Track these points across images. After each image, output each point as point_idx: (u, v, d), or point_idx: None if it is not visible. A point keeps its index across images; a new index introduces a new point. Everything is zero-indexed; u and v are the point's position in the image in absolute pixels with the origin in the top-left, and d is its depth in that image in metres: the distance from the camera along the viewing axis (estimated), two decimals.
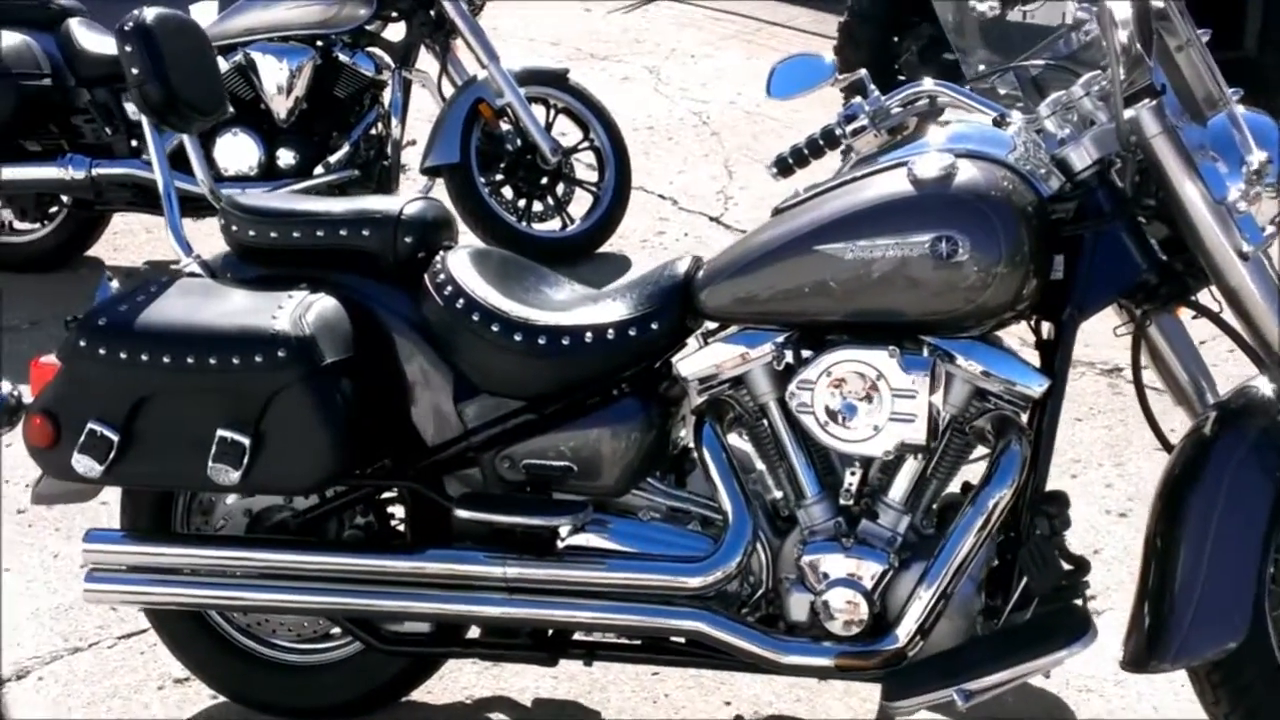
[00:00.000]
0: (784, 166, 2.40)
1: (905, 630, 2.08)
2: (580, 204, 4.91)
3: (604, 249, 4.87)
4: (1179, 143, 1.98)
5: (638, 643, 2.30)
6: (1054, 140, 2.08)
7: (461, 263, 2.28)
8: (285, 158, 4.65)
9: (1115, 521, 3.07)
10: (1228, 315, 2.05)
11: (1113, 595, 2.71)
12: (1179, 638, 2.00)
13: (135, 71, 2.41)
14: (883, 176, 2.08)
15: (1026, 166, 2.06)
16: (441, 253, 2.32)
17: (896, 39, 5.79)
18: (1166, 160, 1.99)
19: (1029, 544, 2.05)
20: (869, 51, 5.59)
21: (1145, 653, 2.03)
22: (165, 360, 2.13)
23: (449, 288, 2.24)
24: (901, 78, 5.53)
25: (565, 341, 2.18)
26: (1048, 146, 2.08)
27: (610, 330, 2.18)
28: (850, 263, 2.02)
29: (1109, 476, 3.27)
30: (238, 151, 4.60)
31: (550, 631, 2.32)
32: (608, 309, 2.23)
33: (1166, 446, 2.19)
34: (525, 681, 2.61)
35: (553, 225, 4.86)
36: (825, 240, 2.04)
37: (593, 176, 4.91)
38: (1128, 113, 1.97)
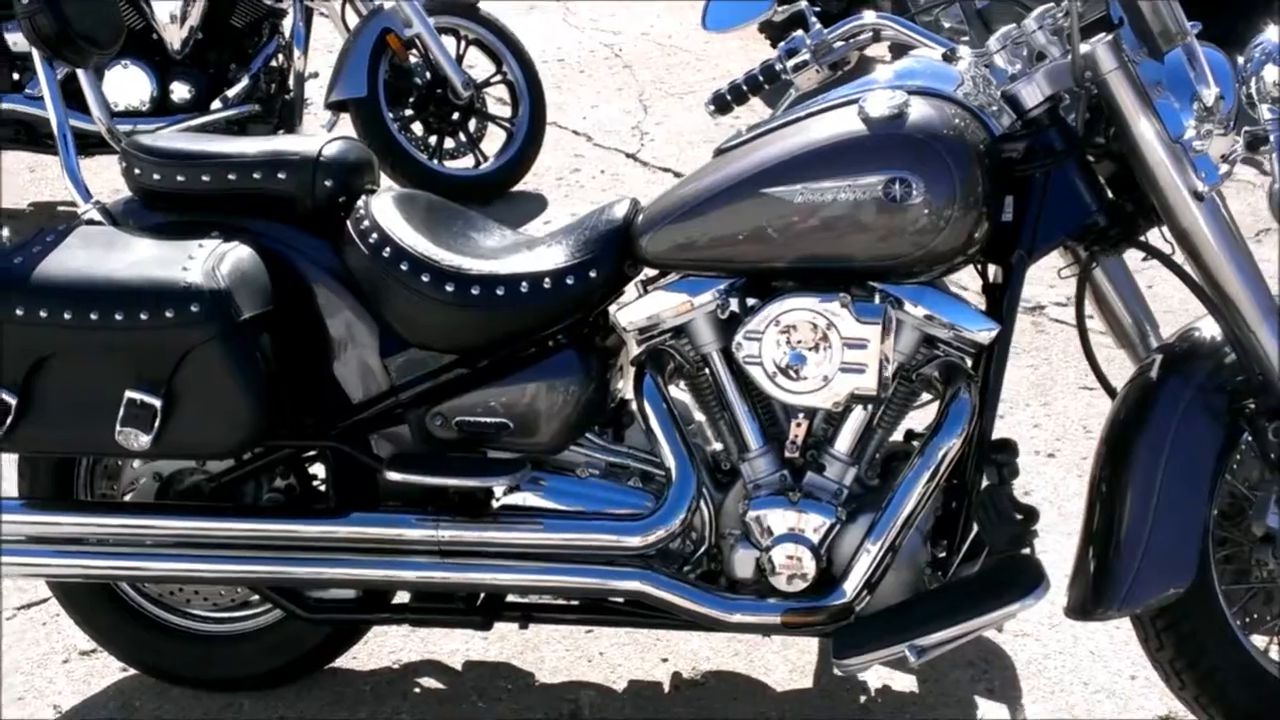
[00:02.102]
0: (722, 104, 2.29)
1: (852, 585, 2.04)
2: (493, 141, 4.77)
3: (519, 187, 4.75)
4: (1135, 79, 1.92)
5: (575, 603, 2.23)
6: (1004, 76, 2.01)
7: (386, 207, 2.15)
8: (179, 91, 4.42)
9: (1044, 462, 3.07)
10: (1178, 256, 2.01)
11: (1045, 538, 2.68)
12: (1126, 584, 1.98)
13: (25, 0, 2.21)
14: (831, 115, 1.99)
15: (976, 103, 1.99)
16: (364, 197, 2.18)
17: None
18: (1122, 97, 1.93)
19: (980, 495, 2.01)
20: None
21: (1091, 599, 2.01)
22: (66, 317, 1.97)
23: (374, 235, 2.10)
24: (818, 9, 5.44)
25: (499, 291, 2.07)
26: (998, 82, 2.01)
27: (546, 279, 2.07)
28: (799, 206, 1.94)
29: (1036, 416, 3.26)
30: (128, 85, 4.36)
31: (483, 594, 2.23)
32: (543, 256, 2.12)
33: (1109, 390, 2.16)
34: (455, 644, 2.53)
35: (465, 163, 4.72)
36: (772, 182, 1.95)
37: (506, 112, 4.77)
38: (1083, 47, 1.90)
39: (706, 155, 2.17)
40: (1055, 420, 3.24)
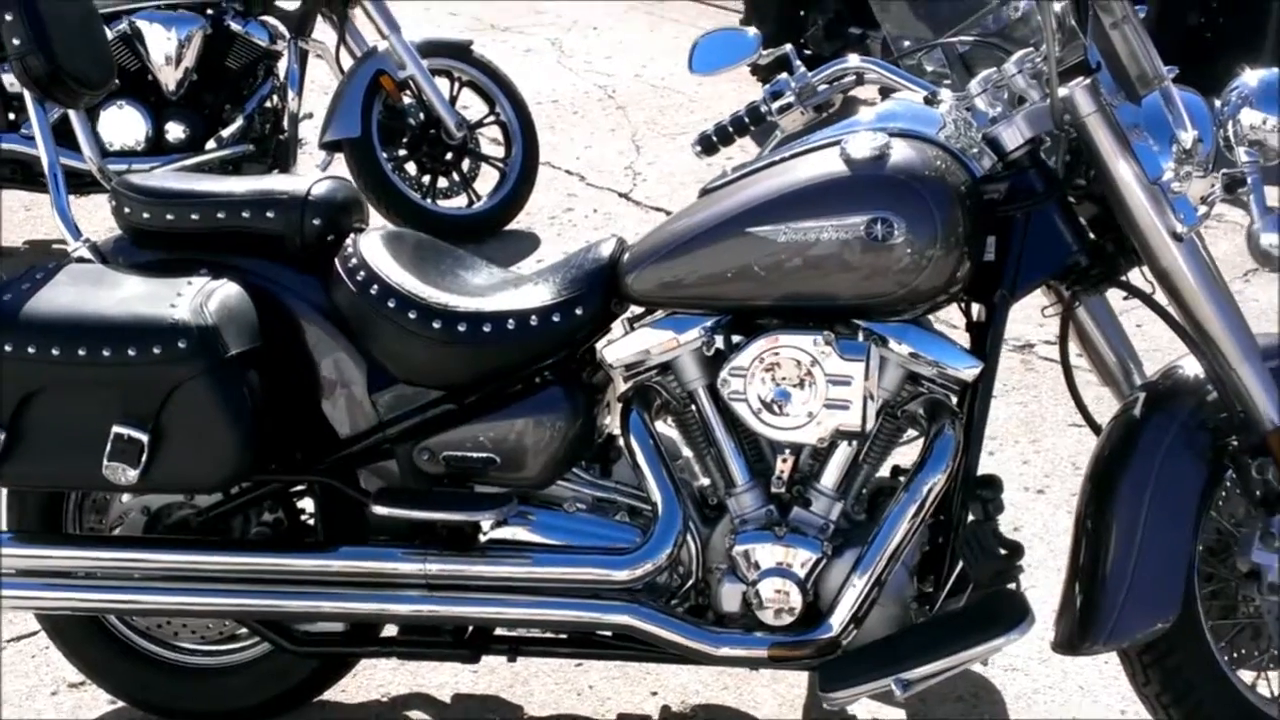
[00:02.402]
0: (708, 144, 2.33)
1: (839, 619, 2.05)
2: (486, 180, 4.80)
3: (511, 226, 4.78)
4: (1114, 122, 1.95)
5: (563, 636, 2.23)
6: (985, 118, 2.04)
7: (374, 246, 2.17)
8: (174, 131, 4.45)
9: (1034, 499, 3.08)
10: (1159, 296, 2.03)
11: (1035, 573, 2.70)
12: (1111, 619, 1.99)
13: (16, 42, 2.24)
14: (815, 156, 2.02)
15: (958, 145, 2.02)
16: (352, 235, 2.20)
17: (803, 13, 5.77)
18: (1100, 140, 1.96)
19: (965, 530, 2.02)
20: (774, 25, 5.56)
21: (1077, 634, 2.02)
22: (54, 352, 1.99)
23: (362, 273, 2.12)
24: (808, 52, 5.50)
25: (486, 328, 2.09)
26: (979, 125, 2.04)
27: (533, 316, 2.09)
28: (783, 245, 1.96)
29: (1025, 453, 3.28)
30: (124, 125, 4.38)
31: (471, 628, 2.23)
32: (530, 294, 2.14)
33: (1094, 427, 2.17)
34: (444, 677, 2.53)
35: (458, 202, 4.75)
36: (757, 222, 1.98)
37: (499, 152, 4.81)
38: (1061, 91, 1.93)
39: None
40: (1044, 457, 3.26)
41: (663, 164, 5.34)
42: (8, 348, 2.00)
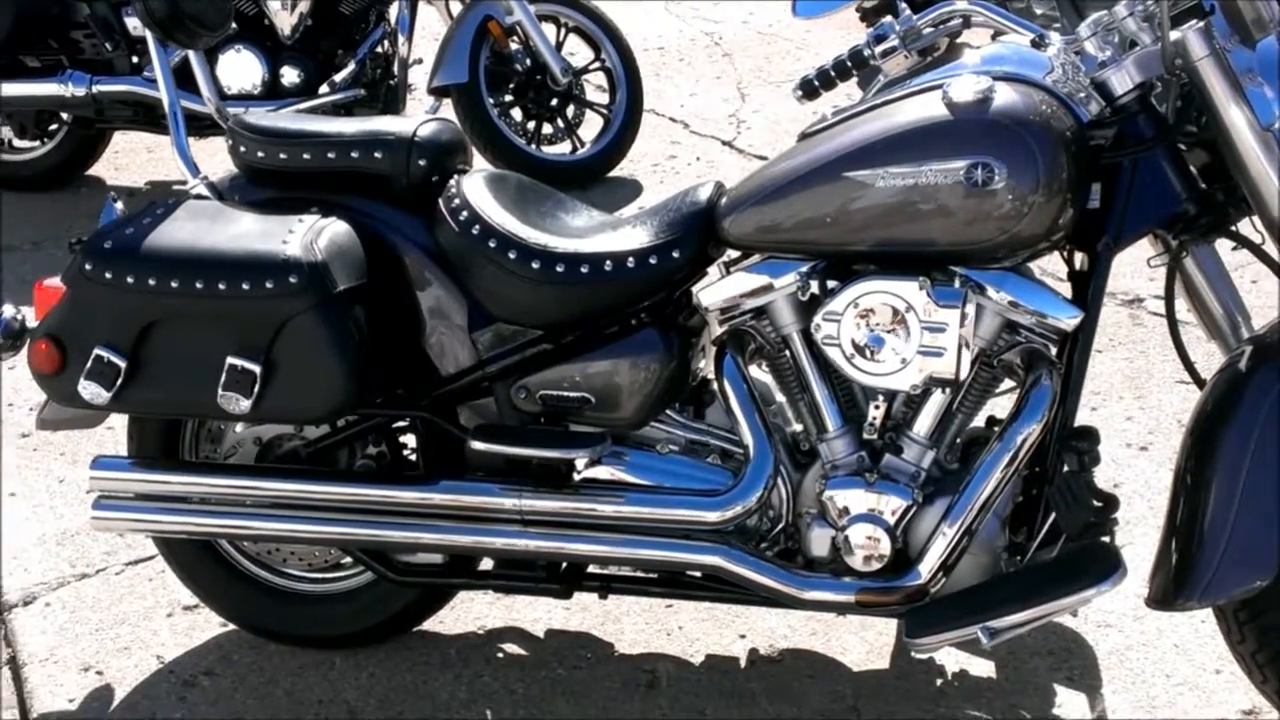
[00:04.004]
0: (809, 89, 2.30)
1: (928, 566, 2.05)
2: (590, 127, 4.82)
3: (614, 173, 4.79)
4: (1227, 66, 1.90)
5: (653, 576, 2.27)
6: (1094, 62, 2.00)
7: (477, 187, 2.21)
8: (289, 76, 4.56)
9: (1136, 455, 3.03)
10: (1269, 247, 1.98)
11: (1133, 530, 2.67)
12: (1208, 575, 1.96)
13: None
14: (916, 100, 2.00)
15: (1065, 90, 1.99)
16: (456, 176, 2.25)
17: None
18: (1213, 85, 1.91)
19: (1058, 480, 2.00)
20: None
21: (1172, 590, 1.99)
22: (173, 285, 2.07)
23: (464, 213, 2.17)
24: None
25: (584, 269, 2.12)
26: (1087, 69, 2.00)
27: (630, 258, 2.12)
28: (880, 190, 1.95)
29: (1129, 409, 3.22)
30: (241, 69, 4.50)
31: (565, 564, 2.28)
32: (628, 236, 2.16)
33: (1198, 381, 2.13)
34: (538, 613, 2.59)
35: (562, 148, 4.78)
36: (855, 166, 1.97)
37: (603, 98, 4.82)
38: (1174, 34, 1.88)
39: None
40: (1149, 414, 3.20)
41: (767, 112, 5.30)
42: (129, 279, 2.08)
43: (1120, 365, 3.41)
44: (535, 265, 2.12)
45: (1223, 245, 2.08)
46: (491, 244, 2.14)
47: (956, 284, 1.98)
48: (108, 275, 2.09)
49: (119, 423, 2.51)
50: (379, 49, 4.65)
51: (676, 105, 5.45)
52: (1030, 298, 2.00)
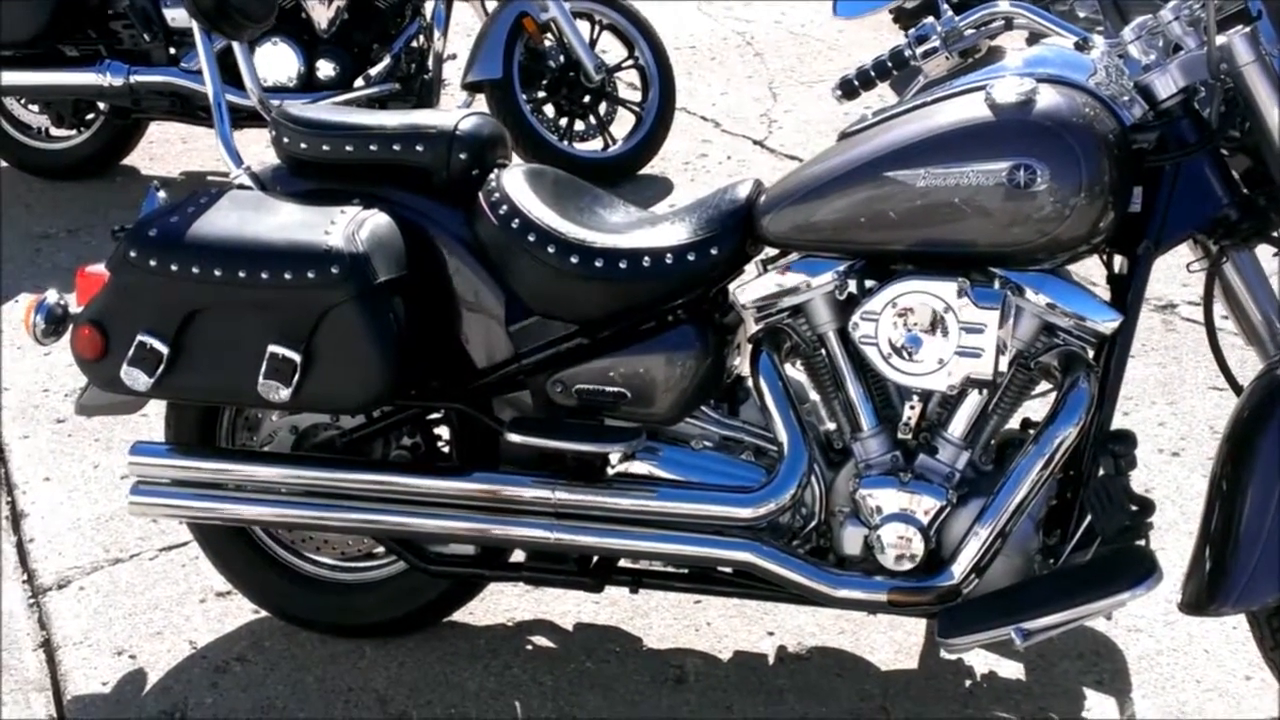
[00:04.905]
0: (848, 89, 2.31)
1: (961, 567, 2.05)
2: (623, 124, 4.83)
3: (645, 171, 4.80)
4: (1273, 72, 1.89)
5: (684, 571, 2.28)
6: (1138, 66, 1.99)
7: (517, 181, 2.22)
8: (325, 69, 4.58)
9: (1168, 461, 3.02)
10: None
11: (1164, 535, 2.67)
12: (1242, 581, 1.95)
13: None
14: (958, 101, 2.00)
15: (1108, 93, 1.98)
16: (496, 170, 2.26)
17: None
18: (1258, 90, 1.90)
19: (1094, 484, 2.00)
20: None
21: (1205, 595, 1.98)
22: (216, 273, 2.09)
23: (504, 207, 2.18)
24: None
25: (622, 265, 2.13)
26: (1131, 72, 2.00)
27: (668, 255, 2.12)
28: (921, 190, 1.95)
29: (1162, 415, 3.21)
30: (278, 61, 4.53)
31: (596, 558, 2.29)
32: (666, 232, 2.17)
33: (1235, 387, 2.12)
34: (567, 606, 2.60)
35: (594, 145, 4.79)
36: (895, 166, 1.97)
37: (636, 96, 4.83)
38: (1219, 39, 1.88)
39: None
40: (1181, 419, 3.19)
41: (799, 112, 5.30)
42: (174, 267, 2.10)
43: (1153, 370, 3.39)
44: (574, 260, 2.13)
45: (1263, 251, 2.07)
46: (530, 238, 2.15)
47: (996, 285, 1.98)
48: (152, 263, 2.11)
49: (153, 410, 2.53)
50: (414, 44, 4.67)
51: (708, 104, 5.45)
52: (1069, 300, 1.99)
